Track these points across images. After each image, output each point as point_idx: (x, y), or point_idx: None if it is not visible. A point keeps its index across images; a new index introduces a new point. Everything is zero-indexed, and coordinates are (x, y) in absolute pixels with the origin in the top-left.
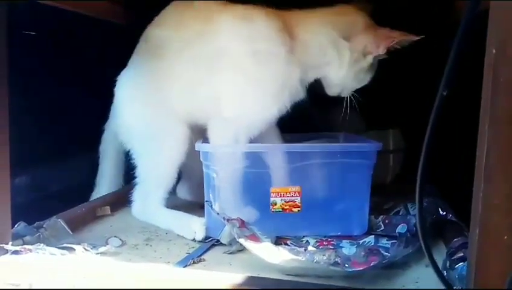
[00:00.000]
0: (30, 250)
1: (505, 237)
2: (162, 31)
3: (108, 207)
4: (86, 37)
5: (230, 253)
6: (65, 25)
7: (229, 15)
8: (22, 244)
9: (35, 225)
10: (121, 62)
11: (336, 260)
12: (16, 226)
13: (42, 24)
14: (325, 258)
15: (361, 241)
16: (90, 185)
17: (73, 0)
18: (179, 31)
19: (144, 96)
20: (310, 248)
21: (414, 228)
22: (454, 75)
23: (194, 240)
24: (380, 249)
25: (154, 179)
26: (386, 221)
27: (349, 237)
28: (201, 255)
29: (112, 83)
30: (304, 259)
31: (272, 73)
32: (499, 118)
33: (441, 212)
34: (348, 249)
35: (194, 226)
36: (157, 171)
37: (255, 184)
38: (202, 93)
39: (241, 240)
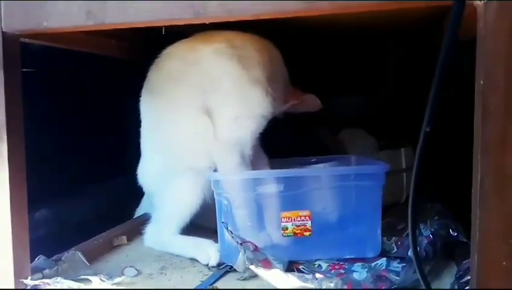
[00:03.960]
0: (48, 284)
1: (504, 263)
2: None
3: (124, 237)
4: (96, 73)
5: (244, 279)
6: (76, 63)
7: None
8: (42, 278)
9: (54, 258)
10: (129, 96)
11: (344, 287)
12: (35, 260)
13: (51, 63)
14: (332, 285)
15: (373, 264)
16: (108, 215)
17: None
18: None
19: (156, 145)
20: (318, 275)
21: (424, 252)
22: (437, 111)
23: (207, 265)
24: (390, 274)
25: (169, 216)
26: (399, 243)
27: (361, 259)
28: (214, 282)
29: (122, 115)
30: (312, 286)
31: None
32: (490, 146)
33: (451, 233)
34: (359, 273)
35: (209, 251)
36: (172, 211)
37: (266, 209)
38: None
39: (252, 267)
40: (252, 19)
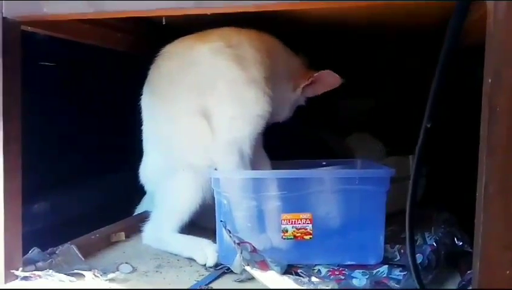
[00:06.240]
0: (39, 276)
1: (507, 272)
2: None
3: (123, 233)
4: (100, 66)
5: (240, 281)
6: (79, 55)
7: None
8: (34, 270)
9: (48, 251)
10: (133, 89)
11: None
12: (30, 252)
13: (59, 55)
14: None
15: (374, 271)
16: (108, 211)
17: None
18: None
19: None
20: (314, 278)
21: (427, 260)
22: (437, 108)
23: (205, 265)
24: (391, 282)
25: (168, 214)
26: (402, 251)
27: (362, 266)
28: (209, 283)
29: (127, 110)
30: None
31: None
32: (496, 148)
33: (456, 242)
34: (358, 280)
35: (207, 250)
36: (171, 210)
37: (266, 210)
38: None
39: (248, 268)
40: (254, 10)
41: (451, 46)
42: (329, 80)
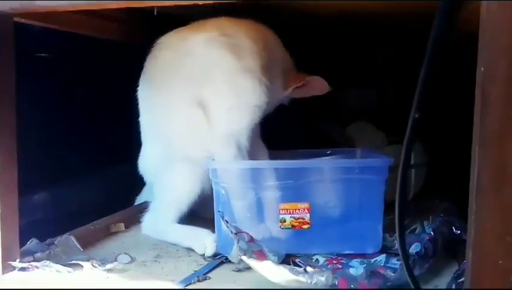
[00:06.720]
0: (37, 267)
1: (500, 262)
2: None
3: (122, 224)
4: (97, 57)
5: (238, 271)
6: (75, 46)
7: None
8: (32, 261)
9: (47, 241)
10: (131, 80)
11: (334, 282)
12: (28, 243)
13: (54, 46)
14: (323, 279)
15: (372, 260)
16: (108, 202)
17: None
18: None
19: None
20: (309, 268)
21: (423, 249)
22: (426, 98)
23: (203, 255)
24: (388, 271)
25: (167, 204)
26: None
27: (361, 255)
28: (207, 272)
29: (125, 101)
30: (303, 280)
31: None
32: (489, 138)
33: (454, 231)
34: (355, 269)
35: (205, 240)
36: (169, 200)
37: (264, 201)
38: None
39: (244, 258)
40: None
41: (439, 35)
42: (318, 85)
